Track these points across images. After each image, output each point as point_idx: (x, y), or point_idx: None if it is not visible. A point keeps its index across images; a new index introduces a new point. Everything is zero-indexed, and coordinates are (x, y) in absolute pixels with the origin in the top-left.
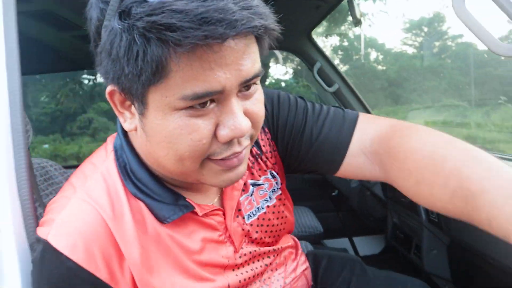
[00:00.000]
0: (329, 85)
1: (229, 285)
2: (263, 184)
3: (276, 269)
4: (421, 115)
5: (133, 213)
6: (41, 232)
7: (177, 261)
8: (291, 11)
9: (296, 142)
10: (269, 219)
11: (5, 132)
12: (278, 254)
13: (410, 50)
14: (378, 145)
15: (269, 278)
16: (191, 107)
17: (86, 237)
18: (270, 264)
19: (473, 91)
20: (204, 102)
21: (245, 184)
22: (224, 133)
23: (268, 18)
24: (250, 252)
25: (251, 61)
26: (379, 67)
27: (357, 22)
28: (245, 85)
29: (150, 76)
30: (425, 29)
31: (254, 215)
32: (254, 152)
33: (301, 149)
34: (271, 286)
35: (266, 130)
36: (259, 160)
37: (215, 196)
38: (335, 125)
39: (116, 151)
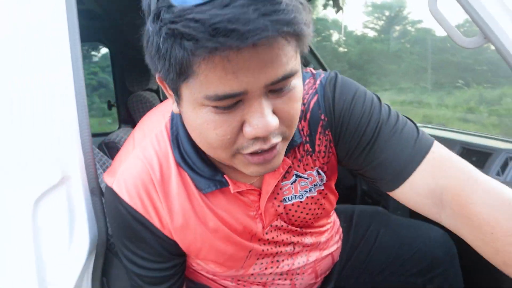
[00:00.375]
0: (305, 65)
1: (250, 251)
2: (307, 178)
3: (302, 247)
4: (383, 96)
5: (178, 178)
6: (108, 180)
7: (209, 224)
8: None
9: (357, 153)
10: (304, 208)
11: (71, 96)
12: (307, 235)
13: (371, 34)
14: (452, 202)
15: (293, 252)
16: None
17: (140, 193)
18: (297, 242)
19: (429, 75)
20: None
21: (288, 172)
22: (248, 130)
23: (294, 23)
24: (277, 230)
25: (278, 64)
26: (341, 49)
27: (338, 9)
28: (275, 86)
29: (176, 76)
30: (387, 13)
31: (289, 200)
32: (306, 148)
33: (361, 160)
34: (294, 260)
35: (327, 132)
36: (309, 157)
37: (255, 176)
38: (404, 149)
39: (172, 118)
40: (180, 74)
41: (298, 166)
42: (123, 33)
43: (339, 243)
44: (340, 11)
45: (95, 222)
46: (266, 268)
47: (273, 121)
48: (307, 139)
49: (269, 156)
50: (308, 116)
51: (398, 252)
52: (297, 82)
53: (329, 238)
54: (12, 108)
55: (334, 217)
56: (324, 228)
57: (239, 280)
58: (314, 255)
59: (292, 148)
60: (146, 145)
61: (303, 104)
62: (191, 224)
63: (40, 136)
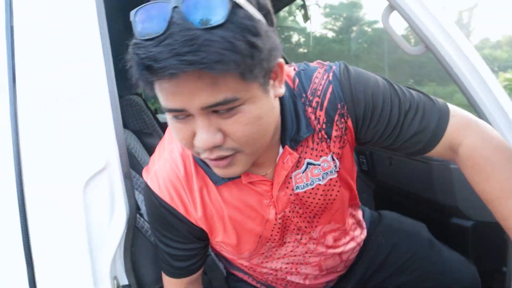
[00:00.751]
0: None
1: (261, 236)
2: (319, 165)
3: (309, 239)
4: None
5: (196, 174)
6: (145, 177)
7: (225, 214)
8: None
9: (386, 136)
10: (316, 194)
11: (105, 96)
12: (316, 228)
13: (330, 34)
14: (465, 153)
15: (300, 241)
16: None
17: (168, 187)
18: (305, 231)
19: (387, 74)
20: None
21: (299, 161)
22: (194, 140)
23: (201, 63)
24: (289, 217)
25: (208, 92)
26: (301, 50)
27: (306, 18)
28: (213, 108)
29: (145, 88)
30: (344, 14)
31: (302, 188)
32: (321, 136)
33: (391, 140)
34: (299, 246)
35: (343, 120)
36: (324, 143)
37: (269, 168)
38: (430, 120)
39: None
40: (146, 87)
41: (311, 154)
42: (111, 43)
43: (350, 246)
44: (308, 20)
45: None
46: (274, 247)
47: (212, 138)
48: (324, 126)
49: (222, 164)
50: (325, 105)
51: (428, 286)
52: (246, 108)
53: (337, 239)
54: (74, 111)
55: (350, 222)
56: (335, 225)
57: (262, 262)
58: (320, 249)
59: (299, 143)
60: (173, 148)
61: (317, 96)
62: (209, 214)
63: (90, 132)
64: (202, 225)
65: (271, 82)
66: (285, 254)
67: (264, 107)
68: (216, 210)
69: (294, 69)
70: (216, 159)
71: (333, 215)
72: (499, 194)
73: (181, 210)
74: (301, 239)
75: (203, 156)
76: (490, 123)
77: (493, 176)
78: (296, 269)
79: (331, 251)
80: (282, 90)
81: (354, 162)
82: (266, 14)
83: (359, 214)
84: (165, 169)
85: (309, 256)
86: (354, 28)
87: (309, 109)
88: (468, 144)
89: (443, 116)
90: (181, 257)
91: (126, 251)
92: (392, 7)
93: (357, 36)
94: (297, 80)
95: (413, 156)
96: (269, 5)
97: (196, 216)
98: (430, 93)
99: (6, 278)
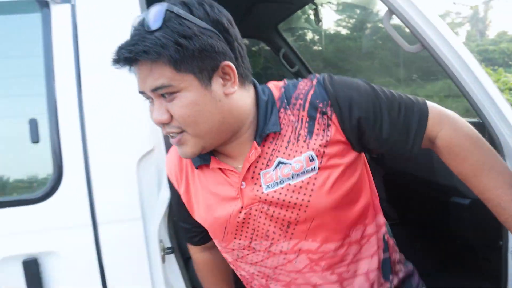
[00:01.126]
0: (291, 67)
1: (226, 227)
2: (290, 164)
3: (280, 251)
4: None
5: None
6: None
7: (199, 194)
8: (264, 9)
9: (374, 134)
10: (286, 194)
11: None
12: (289, 239)
13: (344, 32)
14: (442, 144)
15: (270, 249)
16: None
17: (170, 164)
18: (274, 240)
19: (402, 70)
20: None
21: (270, 160)
22: None
23: (135, 52)
24: (256, 215)
25: (151, 78)
26: (315, 48)
27: (319, 21)
28: (158, 92)
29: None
30: (358, 11)
31: (272, 187)
32: (298, 134)
33: (377, 141)
34: (270, 257)
35: (325, 117)
36: (301, 142)
37: (241, 162)
38: (410, 121)
39: None
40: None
41: (284, 153)
42: None
43: (332, 279)
44: (320, 23)
45: None
46: (243, 249)
47: (160, 116)
48: (306, 125)
49: (174, 141)
50: (306, 106)
51: None
52: (183, 94)
53: (312, 260)
54: (131, 106)
55: (345, 250)
56: (314, 246)
57: (236, 260)
58: (289, 267)
59: (263, 139)
60: None
61: (300, 98)
62: (189, 191)
63: (142, 123)
64: (184, 199)
65: (220, 81)
66: (256, 262)
67: (201, 98)
68: (194, 190)
69: (284, 83)
70: (170, 137)
71: (310, 229)
72: (473, 173)
73: (174, 183)
74: (270, 247)
75: (163, 132)
76: (480, 111)
77: (466, 159)
78: (266, 281)
79: (298, 275)
80: (232, 90)
81: (366, 174)
82: (217, 25)
83: (389, 266)
84: (172, 150)
85: (279, 273)
86: (369, 25)
87: (289, 111)
88: (443, 136)
89: (423, 116)
90: (183, 230)
91: (169, 219)
92: (391, 12)
93: (372, 33)
94: (282, 90)
95: (406, 155)
96: (222, 18)
97: (180, 191)
98: (445, 88)
99: (75, 237)
